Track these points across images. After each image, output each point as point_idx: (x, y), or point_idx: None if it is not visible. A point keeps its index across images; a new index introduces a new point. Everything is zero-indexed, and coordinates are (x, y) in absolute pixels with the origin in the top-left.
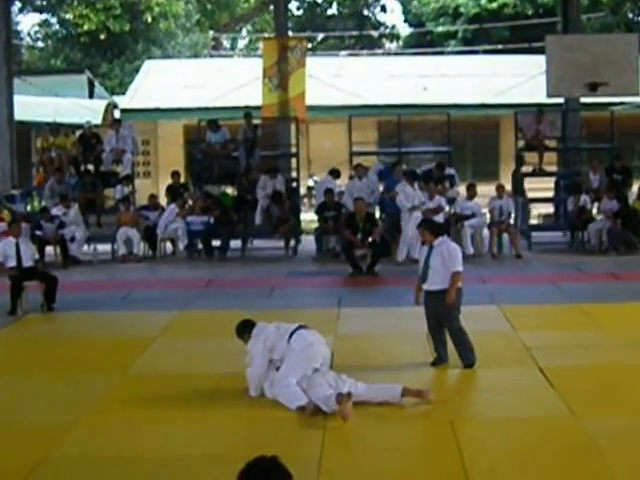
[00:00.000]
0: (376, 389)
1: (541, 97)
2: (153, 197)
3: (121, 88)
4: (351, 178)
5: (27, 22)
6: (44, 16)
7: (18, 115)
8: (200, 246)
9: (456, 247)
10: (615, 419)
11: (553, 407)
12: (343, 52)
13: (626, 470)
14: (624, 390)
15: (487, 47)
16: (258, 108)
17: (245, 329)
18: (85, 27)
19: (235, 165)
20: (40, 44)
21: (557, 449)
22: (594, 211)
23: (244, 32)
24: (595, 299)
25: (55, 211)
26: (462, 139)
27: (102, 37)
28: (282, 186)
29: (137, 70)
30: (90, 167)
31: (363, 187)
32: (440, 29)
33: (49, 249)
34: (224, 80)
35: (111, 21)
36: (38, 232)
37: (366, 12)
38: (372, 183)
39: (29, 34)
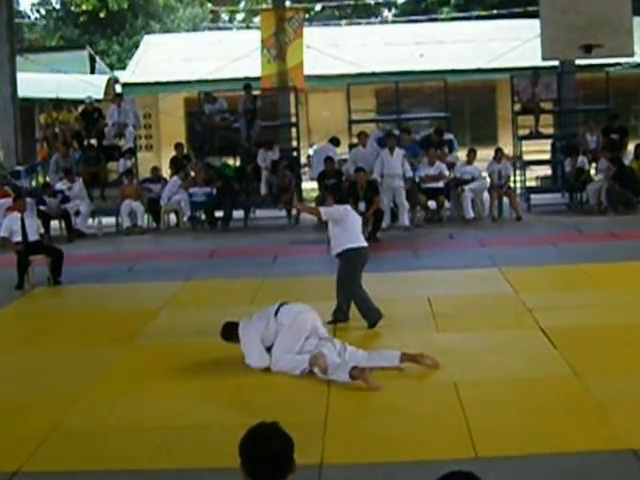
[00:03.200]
0: (375, 357)
1: (536, 60)
2: (155, 169)
3: (120, 64)
4: (355, 146)
5: (27, 1)
6: None
7: (21, 92)
8: (203, 217)
9: (331, 211)
10: (617, 378)
11: (556, 367)
12: (340, 22)
13: (629, 428)
14: (626, 349)
15: (482, 12)
16: (257, 79)
17: (232, 332)
18: (83, 7)
19: (236, 136)
20: (42, 22)
21: (560, 409)
22: (592, 172)
23: (242, 4)
24: (595, 259)
25: (59, 186)
26: (459, 104)
27: (101, 15)
28: (277, 157)
29: (137, 45)
30: (93, 141)
31: (367, 154)
32: None
33: (54, 223)
34: (223, 52)
35: None
36: (42, 207)
37: None
38: (374, 150)
39: (30, 12)
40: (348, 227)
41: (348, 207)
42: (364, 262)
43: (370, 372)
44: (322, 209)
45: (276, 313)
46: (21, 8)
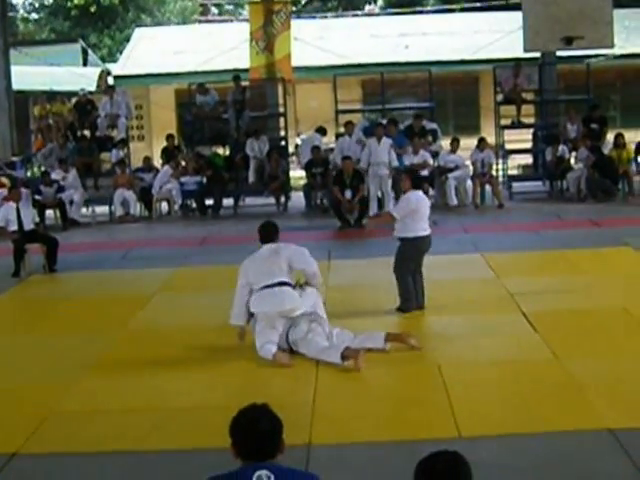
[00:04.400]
0: (362, 337)
1: (518, 52)
2: (147, 159)
3: (111, 57)
4: (341, 135)
5: None
6: None
7: (16, 85)
8: (194, 205)
9: (408, 198)
10: (596, 360)
11: (536, 350)
12: (327, 14)
13: (606, 408)
14: (605, 333)
15: (465, 5)
16: (246, 71)
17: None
18: (75, 1)
19: (225, 126)
20: (34, 16)
21: (541, 390)
22: (572, 160)
23: None
24: (575, 245)
25: (54, 176)
26: (443, 95)
27: (92, 10)
28: (265, 146)
29: (128, 38)
30: (86, 132)
31: (353, 143)
32: None
33: (49, 212)
34: (213, 44)
35: None
36: (37, 197)
37: None
38: (360, 140)
39: (22, 6)
40: (419, 217)
41: (420, 194)
42: (427, 249)
43: (362, 353)
44: (394, 212)
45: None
46: (14, 1)
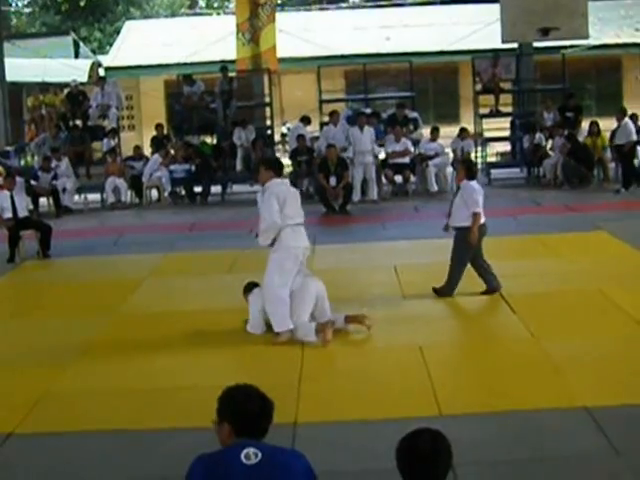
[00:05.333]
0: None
1: (496, 43)
2: (137, 148)
3: (101, 50)
4: (326, 124)
5: None
6: None
7: (9, 76)
8: (183, 192)
9: (475, 189)
10: (572, 341)
11: (515, 331)
12: (312, 7)
13: (582, 387)
14: (581, 314)
15: None
16: (233, 62)
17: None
18: None
19: (213, 116)
20: (26, 10)
21: (519, 370)
22: (548, 148)
23: None
24: (552, 230)
25: None
26: (424, 85)
27: (82, 4)
28: (252, 134)
29: (118, 31)
30: (78, 122)
31: (338, 132)
32: None
33: (42, 200)
34: (200, 36)
35: None
36: (33, 182)
37: None
38: (344, 129)
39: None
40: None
41: (477, 184)
42: (483, 236)
43: (331, 327)
44: (475, 208)
45: None
46: None
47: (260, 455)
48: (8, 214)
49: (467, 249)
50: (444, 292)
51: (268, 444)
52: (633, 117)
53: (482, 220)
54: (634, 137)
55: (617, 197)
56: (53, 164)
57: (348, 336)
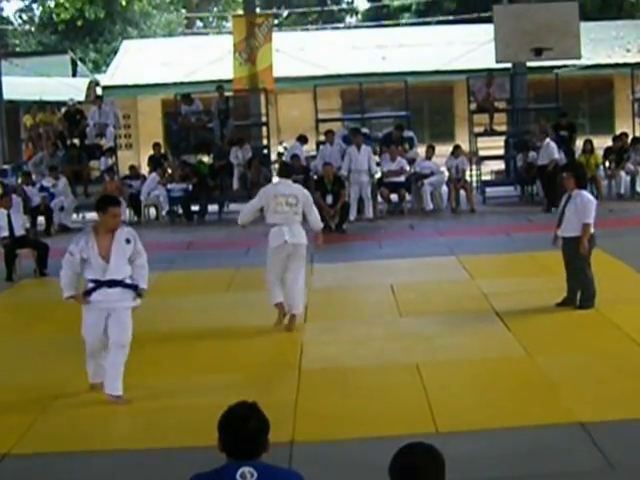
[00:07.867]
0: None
1: (491, 63)
2: (133, 168)
3: (97, 70)
4: (323, 144)
5: (11, 8)
6: (27, 1)
7: (7, 95)
8: (180, 211)
9: (590, 199)
10: (566, 357)
11: (510, 348)
12: (308, 27)
13: (577, 403)
14: (574, 331)
15: (440, 18)
16: (229, 81)
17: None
18: (62, 16)
19: (210, 135)
20: (24, 28)
21: (514, 387)
22: None
23: (215, 10)
24: (545, 247)
25: (45, 183)
26: (419, 104)
27: (79, 24)
28: (249, 153)
29: (115, 51)
30: (75, 141)
31: (334, 151)
32: (396, 3)
33: (40, 219)
34: (197, 56)
35: (87, 8)
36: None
37: None
38: (341, 148)
39: (13, 19)
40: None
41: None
42: (593, 247)
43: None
44: (588, 220)
45: None
46: (4, 14)
47: (256, 475)
48: (5, 233)
49: (584, 255)
50: (586, 305)
51: (264, 463)
52: (623, 135)
53: (591, 230)
54: (556, 156)
55: (609, 215)
56: (50, 183)
57: (345, 354)
